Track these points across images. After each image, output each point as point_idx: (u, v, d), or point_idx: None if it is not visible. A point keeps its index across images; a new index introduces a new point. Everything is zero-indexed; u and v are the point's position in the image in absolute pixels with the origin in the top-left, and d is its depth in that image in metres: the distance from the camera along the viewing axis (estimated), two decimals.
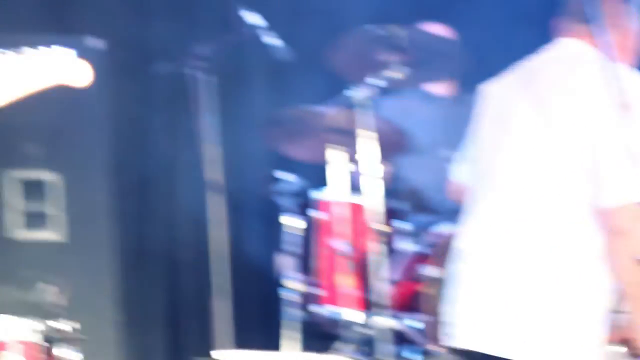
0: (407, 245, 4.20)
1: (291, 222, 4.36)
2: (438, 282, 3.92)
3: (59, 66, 2.20)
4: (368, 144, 3.98)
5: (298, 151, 4.52)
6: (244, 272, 5.10)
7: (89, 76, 2.27)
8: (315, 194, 4.34)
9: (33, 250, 5.00)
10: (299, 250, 4.32)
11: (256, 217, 5.43)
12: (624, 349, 3.23)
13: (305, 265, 4.30)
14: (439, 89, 5.00)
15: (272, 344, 4.33)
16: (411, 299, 4.12)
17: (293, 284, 4.26)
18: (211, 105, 4.72)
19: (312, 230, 4.31)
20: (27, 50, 2.18)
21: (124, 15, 5.54)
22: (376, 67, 4.01)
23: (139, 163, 5.49)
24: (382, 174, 4.00)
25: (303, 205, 4.36)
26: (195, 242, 5.43)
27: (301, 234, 4.34)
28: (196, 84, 4.72)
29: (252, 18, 4.62)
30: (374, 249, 3.95)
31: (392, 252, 4.14)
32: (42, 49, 2.20)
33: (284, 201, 4.40)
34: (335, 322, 4.16)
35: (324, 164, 4.36)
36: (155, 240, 5.67)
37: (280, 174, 4.43)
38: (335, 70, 4.26)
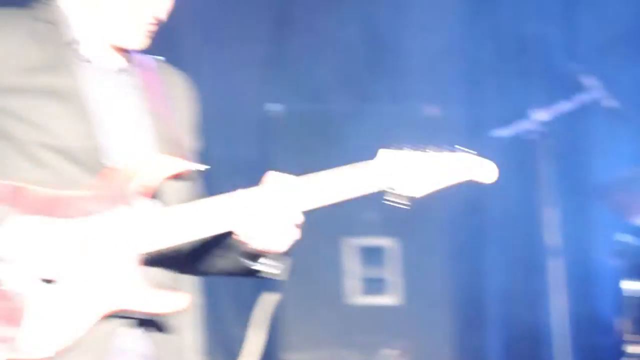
0: None
1: (632, 286, 4.24)
2: None
3: (466, 164, 2.38)
4: None
5: None
6: (585, 336, 5.00)
7: (495, 174, 2.38)
8: None
9: (372, 314, 5.13)
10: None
11: (595, 281, 5.32)
12: None
13: None
14: None
15: None
16: None
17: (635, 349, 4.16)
18: (549, 169, 4.68)
19: None
20: (436, 150, 2.34)
21: (458, 82, 5.65)
22: None
23: (473, 224, 5.53)
24: None
25: None
26: (531, 304, 5.39)
27: None
28: (535, 148, 4.71)
29: (590, 82, 4.57)
30: None
31: None
32: (446, 149, 2.35)
33: (624, 264, 4.30)
34: None
35: None
36: (490, 300, 5.67)
37: (621, 237, 4.33)
38: None
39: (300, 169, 2.34)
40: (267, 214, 2.29)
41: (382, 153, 2.34)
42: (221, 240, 2.40)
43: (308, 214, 2.32)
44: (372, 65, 5.67)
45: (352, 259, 5.17)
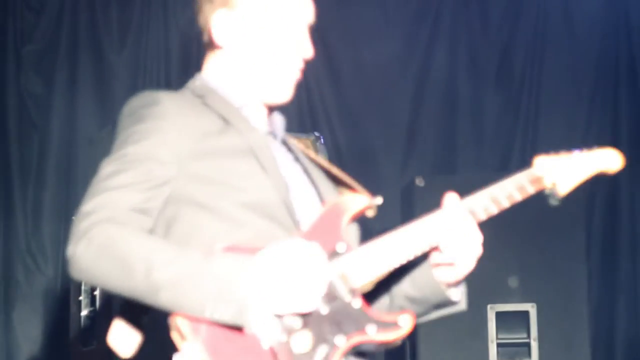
0: None
1: None
2: None
3: (595, 157, 2.52)
4: None
5: None
6: None
7: (619, 159, 2.51)
8: None
9: None
10: None
11: None
12: None
13: None
14: None
15: None
16: None
17: None
18: None
19: None
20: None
21: None
22: None
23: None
24: None
25: None
26: None
27: None
28: None
29: None
30: None
31: None
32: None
33: None
34: None
35: None
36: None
37: None
38: None
39: None
40: (464, 234, 2.36)
41: (539, 160, 2.47)
42: (417, 278, 2.45)
43: None
44: None
45: (494, 325, 5.19)
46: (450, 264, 2.39)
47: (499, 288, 5.05)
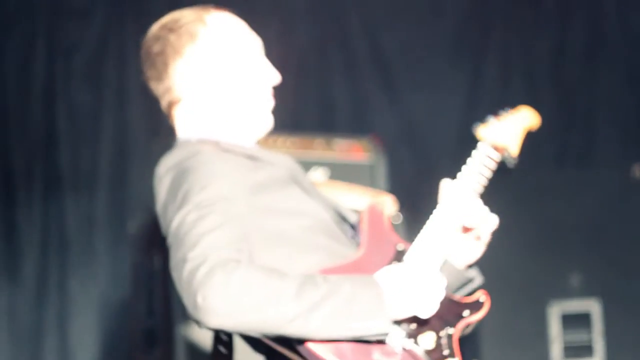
0: None
1: None
2: None
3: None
4: None
5: None
6: None
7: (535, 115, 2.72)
8: None
9: None
10: None
11: None
12: None
13: None
14: None
15: None
16: None
17: None
18: None
19: None
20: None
21: None
22: None
23: None
24: None
25: None
26: None
27: None
28: None
29: None
30: None
31: None
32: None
33: None
34: None
35: None
36: None
37: None
38: None
39: None
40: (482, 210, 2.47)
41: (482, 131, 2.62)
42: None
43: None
44: None
45: (556, 324, 5.15)
46: (477, 239, 2.49)
47: (561, 284, 5.02)
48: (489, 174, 2.53)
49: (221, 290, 2.11)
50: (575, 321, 5.09)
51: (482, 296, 2.40)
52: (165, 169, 2.38)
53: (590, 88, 6.01)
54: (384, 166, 4.81)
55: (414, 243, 2.40)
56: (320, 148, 4.74)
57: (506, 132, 2.60)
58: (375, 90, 5.95)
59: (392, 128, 5.87)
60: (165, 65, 2.50)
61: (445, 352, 2.29)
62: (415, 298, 2.23)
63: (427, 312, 2.25)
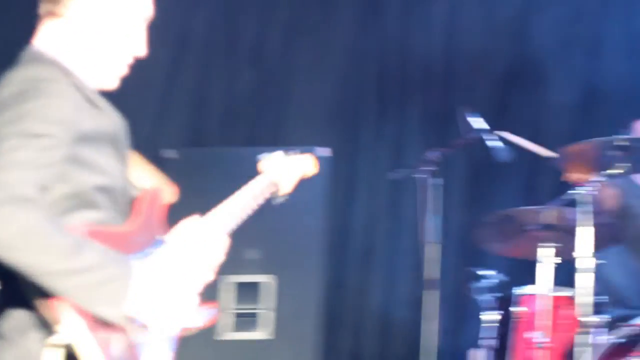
0: (604, 337, 4.31)
1: (489, 317, 4.58)
2: None
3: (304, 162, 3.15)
4: (583, 239, 4.14)
5: (506, 249, 4.77)
6: None
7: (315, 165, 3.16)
8: (516, 290, 4.56)
9: (241, 348, 5.30)
10: (495, 344, 4.53)
11: (458, 312, 5.68)
12: None
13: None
14: None
15: None
16: None
17: None
18: (436, 206, 4.92)
19: (510, 324, 4.52)
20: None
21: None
22: (602, 167, 4.20)
23: (354, 259, 5.88)
24: (593, 268, 4.13)
25: (502, 300, 4.59)
26: (403, 339, 5.70)
27: (498, 327, 4.56)
28: (424, 186, 4.93)
29: (477, 123, 4.87)
30: (579, 341, 4.11)
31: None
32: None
33: (484, 296, 4.62)
34: None
35: (526, 260, 4.57)
36: (362, 336, 5.96)
37: (481, 271, 4.65)
38: (562, 171, 4.44)
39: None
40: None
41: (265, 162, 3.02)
42: None
43: None
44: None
45: (228, 296, 5.35)
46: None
47: (237, 260, 5.20)
48: (259, 203, 2.81)
49: (3, 222, 2.22)
50: (248, 294, 5.33)
51: None
52: (20, 78, 2.42)
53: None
54: None
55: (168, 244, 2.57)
56: None
57: (286, 171, 2.94)
58: None
59: None
60: None
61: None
62: (156, 313, 2.42)
63: (162, 326, 2.45)
